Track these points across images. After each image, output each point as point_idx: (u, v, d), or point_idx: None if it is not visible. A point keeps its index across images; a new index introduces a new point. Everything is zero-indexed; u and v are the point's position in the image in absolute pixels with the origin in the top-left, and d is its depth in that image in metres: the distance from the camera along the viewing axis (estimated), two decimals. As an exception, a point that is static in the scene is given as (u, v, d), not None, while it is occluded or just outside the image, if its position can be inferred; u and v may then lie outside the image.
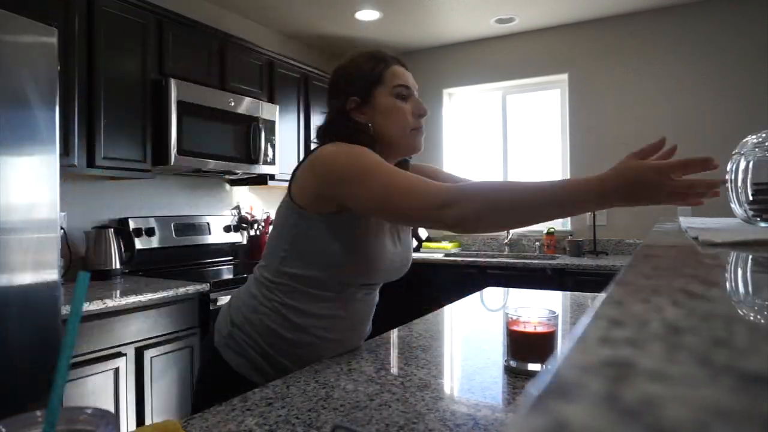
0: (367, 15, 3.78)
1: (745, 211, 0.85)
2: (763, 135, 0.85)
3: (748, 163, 0.83)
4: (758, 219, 0.83)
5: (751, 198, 0.84)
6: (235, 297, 1.23)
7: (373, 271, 1.15)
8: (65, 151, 2.27)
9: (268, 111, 3.29)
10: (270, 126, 3.32)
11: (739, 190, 0.85)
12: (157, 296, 2.24)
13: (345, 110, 1.17)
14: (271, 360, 1.15)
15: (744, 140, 0.87)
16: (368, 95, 1.15)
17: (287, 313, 1.14)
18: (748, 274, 0.39)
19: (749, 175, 0.83)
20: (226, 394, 0.95)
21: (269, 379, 1.11)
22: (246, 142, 3.09)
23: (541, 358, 1.06)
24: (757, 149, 0.83)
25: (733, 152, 0.87)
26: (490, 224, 0.97)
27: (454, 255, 4.06)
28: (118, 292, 2.20)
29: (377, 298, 1.29)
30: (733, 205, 0.89)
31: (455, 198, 0.95)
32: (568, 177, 3.97)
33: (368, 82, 1.16)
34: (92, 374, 2.01)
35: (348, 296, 1.17)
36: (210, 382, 1.19)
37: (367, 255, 1.13)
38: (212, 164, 2.90)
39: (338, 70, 1.21)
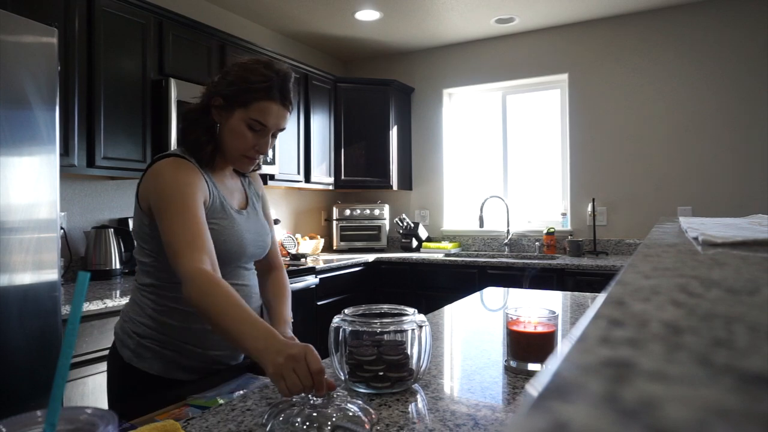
0: (367, 15, 3.78)
1: None
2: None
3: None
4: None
5: None
6: (124, 314, 1.31)
7: (230, 254, 1.24)
8: (65, 151, 2.27)
9: (268, 111, 3.28)
10: (270, 126, 3.31)
11: None
12: (157, 296, 2.24)
13: (209, 102, 1.26)
14: (191, 354, 1.24)
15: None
16: (230, 108, 1.24)
17: (174, 305, 1.22)
18: (749, 274, 0.39)
19: None
20: (150, 396, 1.07)
21: (196, 373, 1.23)
22: (246, 142, 3.09)
23: (541, 358, 1.06)
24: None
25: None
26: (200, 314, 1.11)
27: (454, 255, 4.06)
28: (118, 292, 2.20)
29: (251, 281, 1.36)
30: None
31: (187, 275, 1.07)
32: (568, 174, 3.97)
33: (236, 99, 1.23)
34: (92, 374, 2.01)
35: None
36: (130, 393, 1.23)
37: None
38: (212, 164, 2.90)
39: (232, 67, 1.27)
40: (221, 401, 1.03)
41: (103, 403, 2.06)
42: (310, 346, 0.93)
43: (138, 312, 1.26)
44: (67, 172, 2.34)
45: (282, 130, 1.29)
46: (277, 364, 0.89)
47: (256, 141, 1.25)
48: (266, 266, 1.48)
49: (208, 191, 1.23)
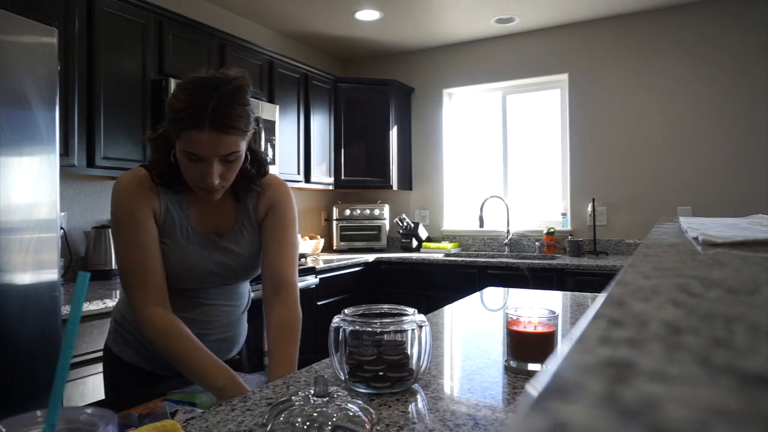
0: (367, 15, 3.78)
1: None
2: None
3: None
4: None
5: None
6: (117, 300, 1.43)
7: (175, 277, 1.23)
8: (65, 151, 2.27)
9: (268, 111, 3.29)
10: (270, 126, 3.32)
11: None
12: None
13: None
14: (153, 350, 1.27)
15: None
16: (174, 138, 1.14)
17: None
18: (749, 274, 0.39)
19: None
20: (125, 385, 1.20)
21: (157, 365, 1.28)
22: (246, 142, 3.09)
23: (541, 358, 1.06)
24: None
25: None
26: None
27: (454, 255, 4.06)
28: (118, 292, 2.20)
29: (221, 299, 1.33)
30: None
31: (142, 318, 1.17)
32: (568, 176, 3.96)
33: (171, 130, 1.13)
34: (92, 374, 2.01)
35: (181, 297, 1.26)
36: (110, 377, 1.36)
37: (171, 264, 1.22)
38: (212, 164, 2.90)
39: (174, 91, 1.14)
40: (203, 395, 1.04)
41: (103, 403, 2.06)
42: None
43: (123, 299, 1.35)
44: (67, 172, 2.34)
45: (234, 154, 1.13)
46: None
47: (200, 171, 1.13)
48: (272, 283, 1.29)
49: (159, 208, 1.20)
